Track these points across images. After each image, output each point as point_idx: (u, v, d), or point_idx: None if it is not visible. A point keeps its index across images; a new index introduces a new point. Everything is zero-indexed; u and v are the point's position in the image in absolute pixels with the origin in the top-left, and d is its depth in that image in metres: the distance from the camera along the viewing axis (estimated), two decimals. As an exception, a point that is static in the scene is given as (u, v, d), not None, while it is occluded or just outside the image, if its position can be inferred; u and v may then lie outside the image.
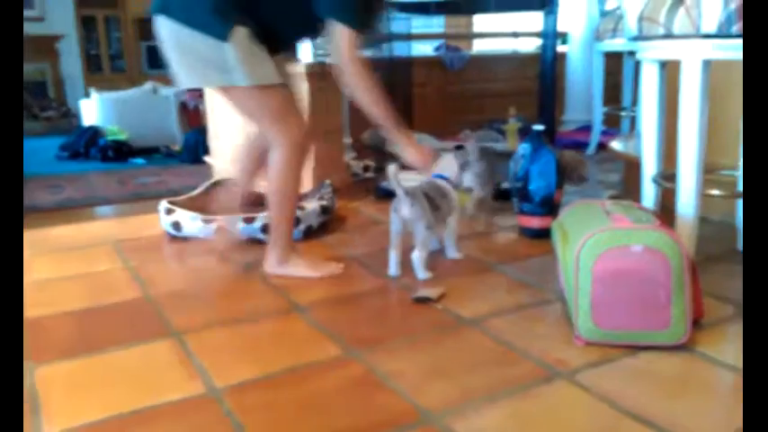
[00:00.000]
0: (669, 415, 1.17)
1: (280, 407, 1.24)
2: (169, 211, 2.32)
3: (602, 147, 3.91)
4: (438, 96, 4.29)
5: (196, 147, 4.48)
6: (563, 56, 4.20)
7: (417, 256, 1.84)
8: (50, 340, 1.54)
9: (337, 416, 1.20)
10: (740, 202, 2.02)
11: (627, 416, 1.18)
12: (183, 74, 1.80)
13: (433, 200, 1.88)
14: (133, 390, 1.31)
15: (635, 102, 3.86)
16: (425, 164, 1.95)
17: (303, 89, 2.73)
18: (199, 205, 2.43)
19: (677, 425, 1.14)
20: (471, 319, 1.60)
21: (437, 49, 4.53)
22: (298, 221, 2.24)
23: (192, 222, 2.25)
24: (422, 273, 1.85)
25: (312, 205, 2.33)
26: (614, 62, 4.04)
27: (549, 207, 2.20)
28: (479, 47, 5.52)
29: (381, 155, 3.00)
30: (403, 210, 1.82)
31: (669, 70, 1.89)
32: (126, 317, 1.68)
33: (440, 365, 1.38)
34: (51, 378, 1.36)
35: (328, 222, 2.44)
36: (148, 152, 5.01)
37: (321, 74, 2.71)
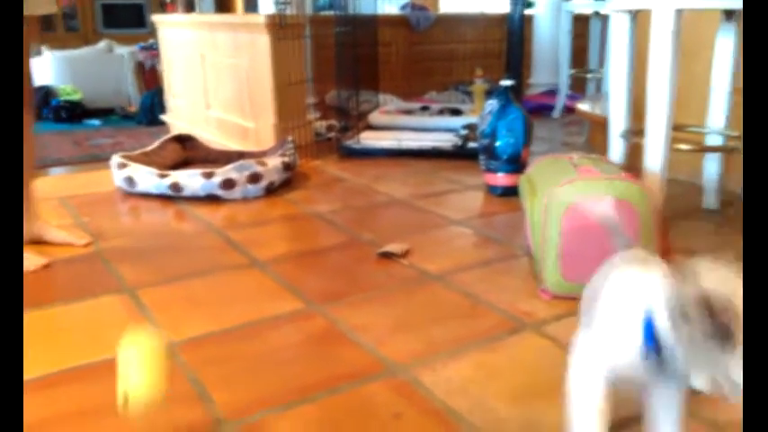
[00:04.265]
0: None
1: (237, 361, 1.18)
2: (122, 166, 2.21)
3: (568, 110, 3.89)
4: (403, 56, 4.20)
5: (152, 108, 4.34)
6: (530, 19, 4.15)
7: None
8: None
9: (298, 369, 1.15)
10: (706, 161, 2.02)
11: (594, 365, 1.15)
12: None
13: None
14: (82, 344, 1.24)
15: (601, 63, 3.84)
16: None
17: (263, 41, 2.63)
18: (154, 160, 2.33)
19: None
20: (437, 275, 1.56)
21: (403, 7, 4.43)
22: (259, 178, 2.16)
23: (147, 177, 2.16)
24: None
25: (274, 162, 2.25)
26: (581, 25, 4.00)
27: (517, 164, 2.17)
28: (446, 8, 5.43)
29: (345, 115, 2.92)
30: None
31: (638, 28, 1.86)
32: (74, 272, 1.59)
33: (405, 319, 1.34)
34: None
35: (290, 179, 2.37)
36: (103, 113, 4.85)
37: (282, 25, 2.61)
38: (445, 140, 2.78)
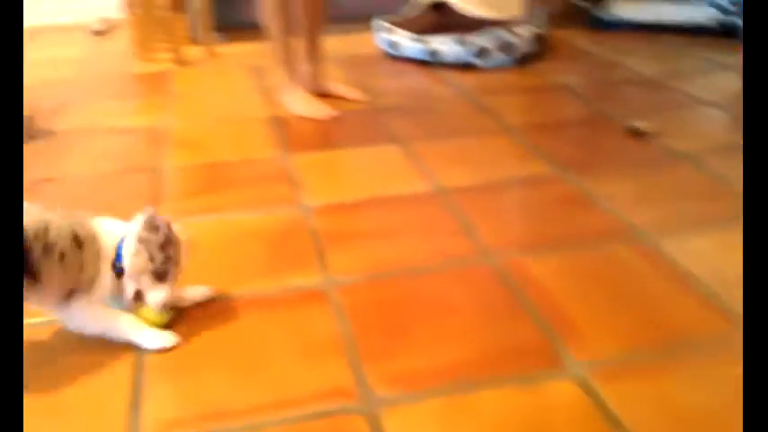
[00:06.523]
0: None
1: (501, 211, 1.39)
2: (387, 30, 2.44)
3: None
4: None
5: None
6: None
7: None
8: (298, 136, 1.80)
9: (547, 223, 1.33)
10: None
11: None
12: None
13: None
14: (370, 180, 1.53)
15: None
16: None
17: None
18: (411, 25, 2.53)
19: None
20: (685, 153, 1.60)
21: None
22: (511, 48, 2.27)
23: (409, 43, 2.37)
24: None
25: (525, 32, 2.33)
26: None
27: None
28: None
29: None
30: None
31: None
32: (357, 123, 1.89)
33: (651, 193, 1.43)
34: (304, 164, 1.62)
35: (541, 50, 2.43)
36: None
37: None
38: (706, 16, 2.60)
